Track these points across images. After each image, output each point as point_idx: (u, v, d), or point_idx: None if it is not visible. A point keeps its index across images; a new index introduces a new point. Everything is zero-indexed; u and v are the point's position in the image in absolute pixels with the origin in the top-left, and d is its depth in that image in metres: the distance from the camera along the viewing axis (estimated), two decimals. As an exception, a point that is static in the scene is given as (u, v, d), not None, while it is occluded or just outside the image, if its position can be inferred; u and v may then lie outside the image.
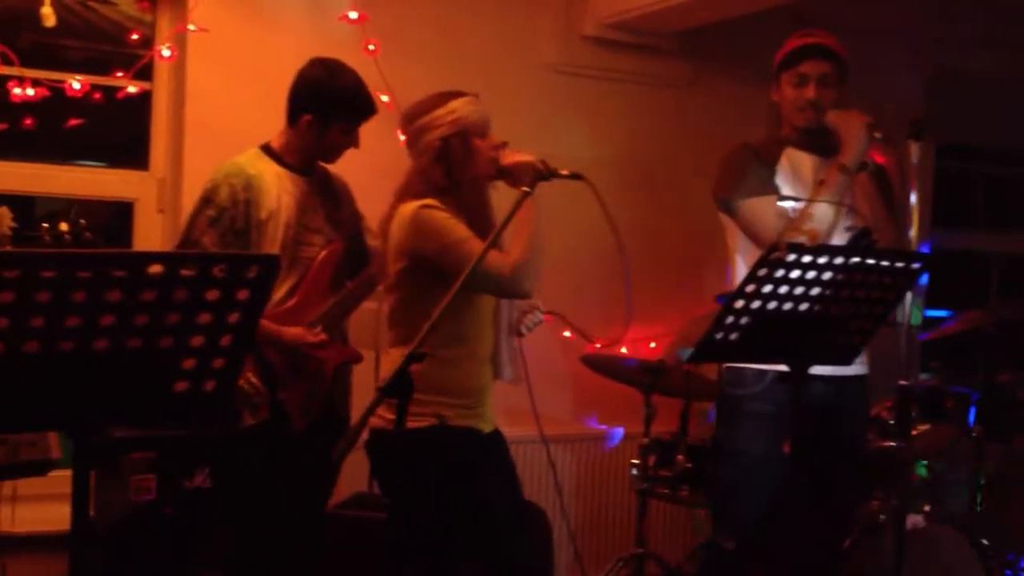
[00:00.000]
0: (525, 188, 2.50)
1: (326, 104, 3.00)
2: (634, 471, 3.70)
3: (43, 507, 3.36)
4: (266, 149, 3.06)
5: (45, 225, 2.08)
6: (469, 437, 2.65)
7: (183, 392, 1.87)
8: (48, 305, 1.66)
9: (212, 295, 1.79)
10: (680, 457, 3.60)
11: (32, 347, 1.69)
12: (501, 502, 2.70)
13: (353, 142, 3.08)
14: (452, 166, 2.63)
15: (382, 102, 3.94)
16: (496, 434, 2.76)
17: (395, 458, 2.60)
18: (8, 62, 3.62)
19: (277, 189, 2.98)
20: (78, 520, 1.82)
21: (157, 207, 3.99)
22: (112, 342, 1.75)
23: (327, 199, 3.13)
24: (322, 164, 3.16)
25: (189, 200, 3.74)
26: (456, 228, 2.56)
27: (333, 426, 3.04)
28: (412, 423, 2.52)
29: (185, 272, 1.76)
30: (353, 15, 3.84)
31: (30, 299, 1.64)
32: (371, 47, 3.81)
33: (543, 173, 2.54)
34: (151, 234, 3.97)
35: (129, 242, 3.96)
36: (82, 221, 2.15)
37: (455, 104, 2.65)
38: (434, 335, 2.27)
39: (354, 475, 3.48)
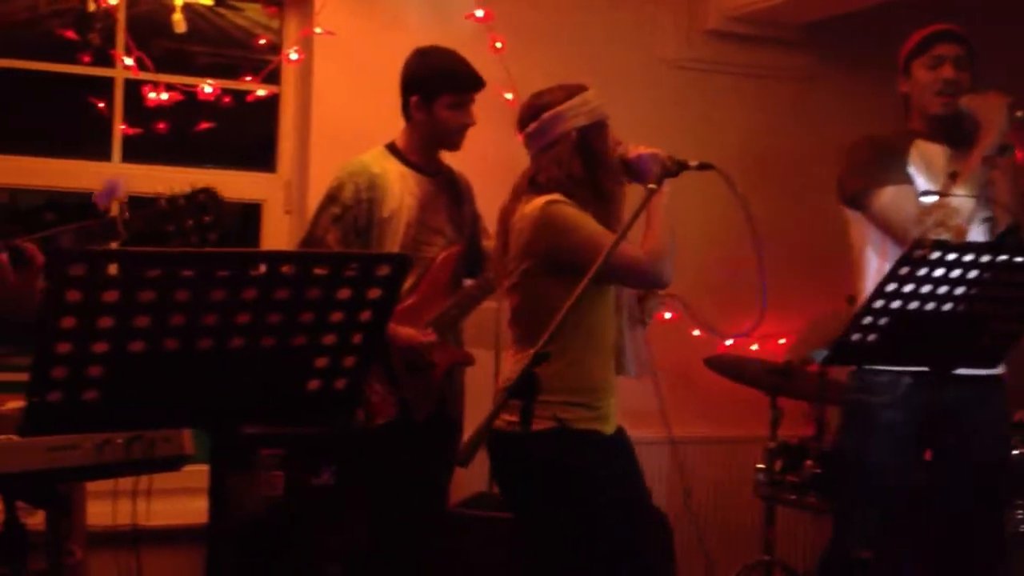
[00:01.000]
0: (652, 185, 2.45)
1: (424, 79, 3.04)
2: (760, 476, 3.61)
3: (177, 501, 3.46)
4: (391, 148, 3.09)
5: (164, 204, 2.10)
6: (590, 440, 2.57)
7: (315, 390, 1.89)
8: (187, 304, 1.69)
9: (344, 294, 1.80)
10: (809, 462, 3.50)
11: (171, 345, 1.72)
12: (618, 509, 2.62)
13: (465, 118, 3.07)
14: (592, 157, 2.56)
15: (506, 99, 3.95)
16: (620, 435, 2.68)
17: (515, 461, 2.57)
18: (144, 67, 3.73)
19: (400, 188, 3.00)
20: (216, 515, 1.85)
21: (284, 208, 4.07)
22: (248, 340, 1.77)
23: (451, 200, 3.13)
24: (449, 166, 3.17)
25: (315, 201, 3.81)
26: (588, 222, 2.50)
27: (445, 427, 3.04)
28: (532, 425, 2.53)
29: (318, 271, 1.77)
30: (479, 13, 3.85)
31: (170, 298, 1.67)
32: (498, 44, 3.82)
33: (670, 169, 2.48)
34: (278, 235, 4.05)
35: (256, 243, 4.05)
36: (206, 219, 2.17)
37: (588, 95, 2.59)
38: (561, 332, 2.23)
39: (474, 475, 3.49)
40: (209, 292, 1.70)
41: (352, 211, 2.94)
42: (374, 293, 1.82)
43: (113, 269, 1.65)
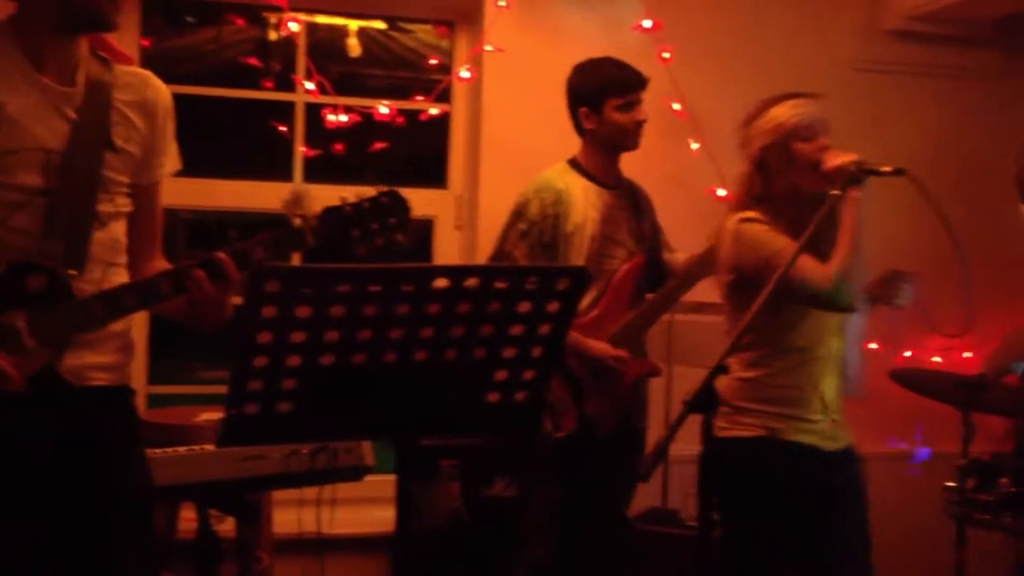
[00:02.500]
0: (835, 191, 2.37)
1: (587, 89, 3.08)
2: (950, 495, 3.44)
3: (359, 510, 3.57)
4: (572, 163, 3.13)
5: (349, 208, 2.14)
6: (801, 453, 2.53)
7: (495, 403, 1.91)
8: (374, 318, 1.74)
9: (524, 307, 1.82)
10: (1004, 480, 3.31)
11: (359, 358, 1.77)
12: (821, 527, 2.55)
13: (637, 115, 3.09)
14: (769, 176, 2.55)
15: (674, 110, 3.92)
16: (845, 453, 2.61)
17: (722, 468, 2.56)
18: (324, 91, 3.87)
19: (583, 203, 3.03)
20: (402, 524, 1.89)
21: (454, 223, 4.14)
22: (431, 353, 1.81)
23: (632, 212, 3.14)
24: (628, 178, 3.18)
25: (485, 216, 3.89)
26: (773, 241, 2.46)
27: (629, 438, 3.04)
28: (742, 432, 2.53)
29: (499, 284, 1.79)
30: (647, 23, 3.83)
31: (358, 312, 1.73)
32: (665, 55, 3.79)
33: (853, 175, 2.40)
34: (449, 250, 4.13)
35: (428, 258, 4.13)
36: (400, 237, 2.19)
37: (777, 111, 2.56)
38: (768, 345, 2.26)
39: (649, 489, 3.45)
40: (395, 307, 1.74)
41: (538, 226, 2.99)
42: (553, 306, 1.83)
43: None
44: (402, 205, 2.12)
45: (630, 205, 3.14)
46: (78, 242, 1.97)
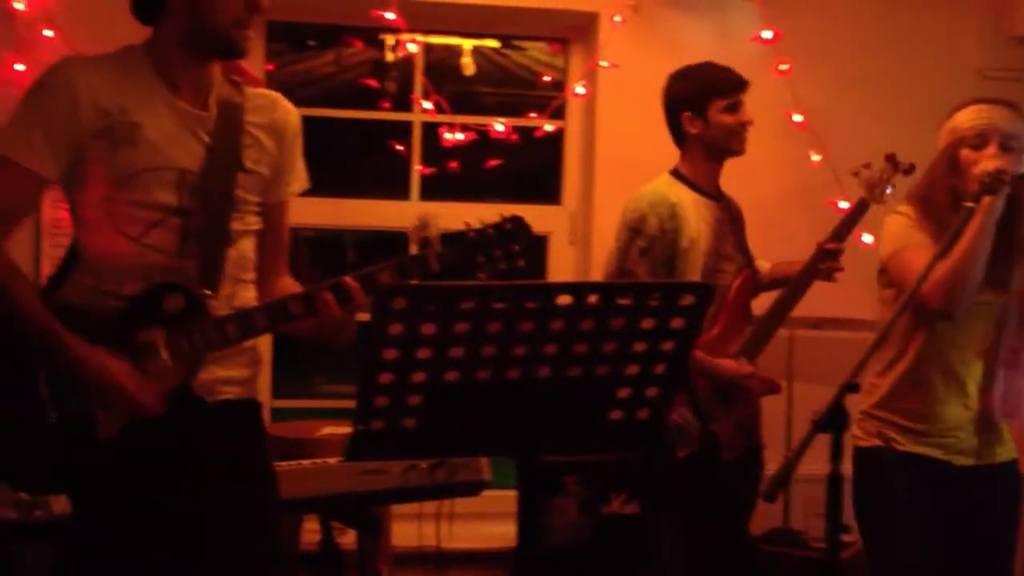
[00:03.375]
0: (969, 204, 2.30)
1: (690, 89, 2.99)
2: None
3: (477, 525, 3.59)
4: (676, 175, 3.05)
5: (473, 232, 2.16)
6: (919, 465, 2.47)
7: (617, 420, 1.90)
8: (498, 335, 1.75)
9: (647, 324, 1.80)
10: None
11: (483, 375, 1.79)
12: (939, 545, 2.48)
13: (743, 118, 3.01)
14: (934, 178, 2.56)
15: (795, 122, 3.85)
16: (988, 469, 2.54)
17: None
18: (441, 110, 3.92)
19: (695, 216, 2.96)
20: (524, 541, 1.89)
21: (569, 239, 4.14)
22: (554, 370, 1.81)
23: (736, 225, 3.08)
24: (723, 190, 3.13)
25: (600, 232, 3.88)
26: (907, 236, 2.48)
27: (751, 456, 2.98)
28: (858, 442, 2.55)
29: (622, 301, 1.78)
30: (767, 34, 3.78)
31: (483, 329, 1.74)
32: (784, 66, 3.73)
33: (988, 185, 2.33)
34: (563, 265, 4.13)
35: (543, 274, 4.14)
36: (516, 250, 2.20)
37: (959, 115, 2.56)
38: (895, 349, 2.27)
39: (769, 508, 3.38)
40: (518, 323, 1.75)
41: (659, 243, 2.89)
42: (677, 323, 1.81)
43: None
44: (525, 232, 2.13)
45: (732, 216, 3.08)
46: (212, 260, 2.03)
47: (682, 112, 3.01)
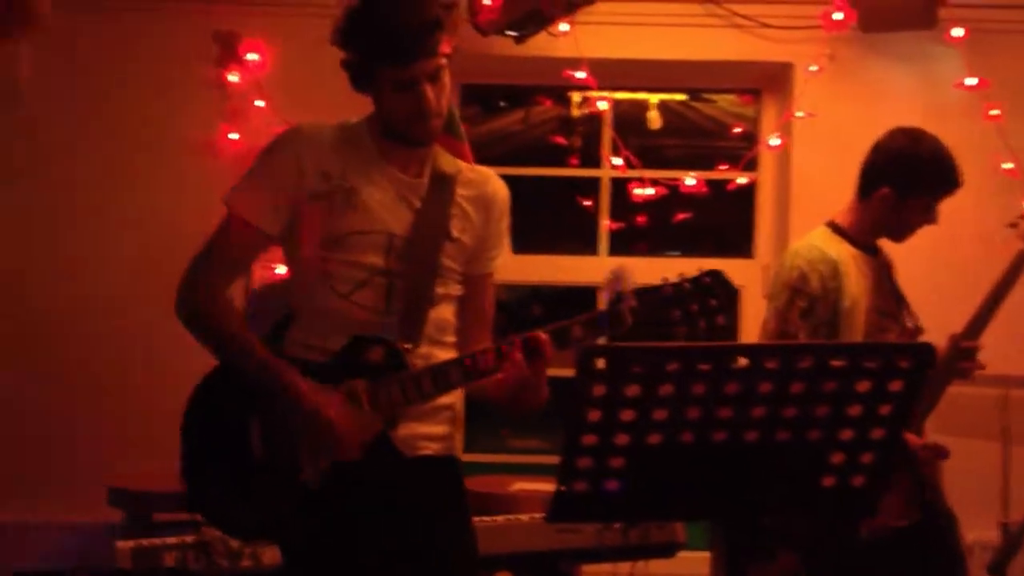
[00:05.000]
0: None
1: (908, 176, 2.76)
2: None
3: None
4: (835, 228, 2.87)
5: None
6: None
7: (830, 487, 1.81)
8: (704, 397, 1.70)
9: (863, 386, 1.72)
10: None
11: (687, 438, 1.74)
12: None
13: (931, 219, 2.81)
14: None
15: (1004, 170, 3.65)
16: None
17: None
18: (630, 165, 3.92)
19: (856, 273, 2.79)
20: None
21: (763, 293, 4.03)
22: (762, 434, 1.75)
23: (892, 279, 2.89)
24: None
25: (796, 286, 3.77)
26: None
27: (932, 523, 2.77)
28: None
29: (835, 363, 1.71)
30: (971, 81, 3.61)
31: (688, 391, 1.69)
32: (994, 112, 3.55)
33: None
34: (757, 320, 3.99)
35: (736, 330, 4.05)
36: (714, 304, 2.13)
37: None
38: None
39: None
40: (725, 385, 1.70)
41: (820, 303, 2.72)
42: (896, 386, 1.72)
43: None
44: (725, 286, 2.06)
45: (888, 271, 2.88)
46: (414, 320, 2.08)
47: (883, 184, 2.81)
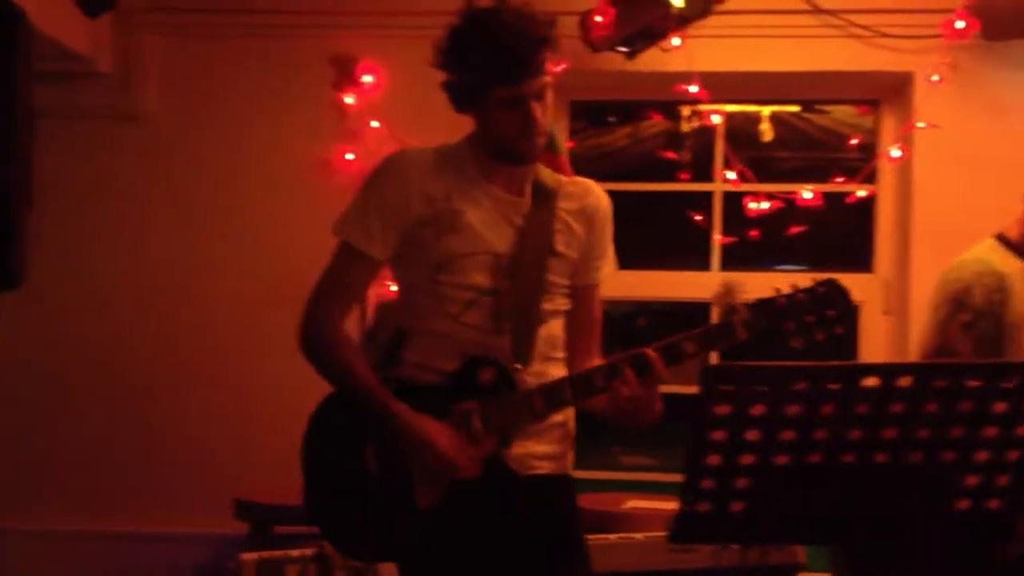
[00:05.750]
0: None
1: None
2: None
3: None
4: (1004, 240, 2.79)
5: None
6: None
7: (964, 510, 1.76)
8: (832, 417, 1.67)
9: (999, 407, 1.67)
10: None
11: (816, 459, 1.71)
12: None
13: None
14: None
15: None
16: None
17: None
18: (744, 179, 3.86)
19: (1021, 288, 2.70)
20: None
21: (882, 309, 3.93)
22: (893, 456, 1.70)
23: None
24: None
25: (917, 302, 3.65)
26: None
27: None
28: None
29: (971, 383, 1.66)
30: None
31: (816, 411, 1.67)
32: None
33: None
34: (876, 337, 3.92)
35: (854, 346, 3.95)
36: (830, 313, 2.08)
37: None
38: None
39: None
40: (854, 406, 1.66)
41: (984, 317, 2.66)
42: (1037, 407, 1.66)
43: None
44: (841, 296, 2.03)
45: None
46: (524, 338, 2.09)
47: None
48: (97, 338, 3.87)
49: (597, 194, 2.23)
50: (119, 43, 3.86)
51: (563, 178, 2.23)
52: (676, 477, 4.10)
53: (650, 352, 1.99)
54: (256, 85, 3.90)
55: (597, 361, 2.20)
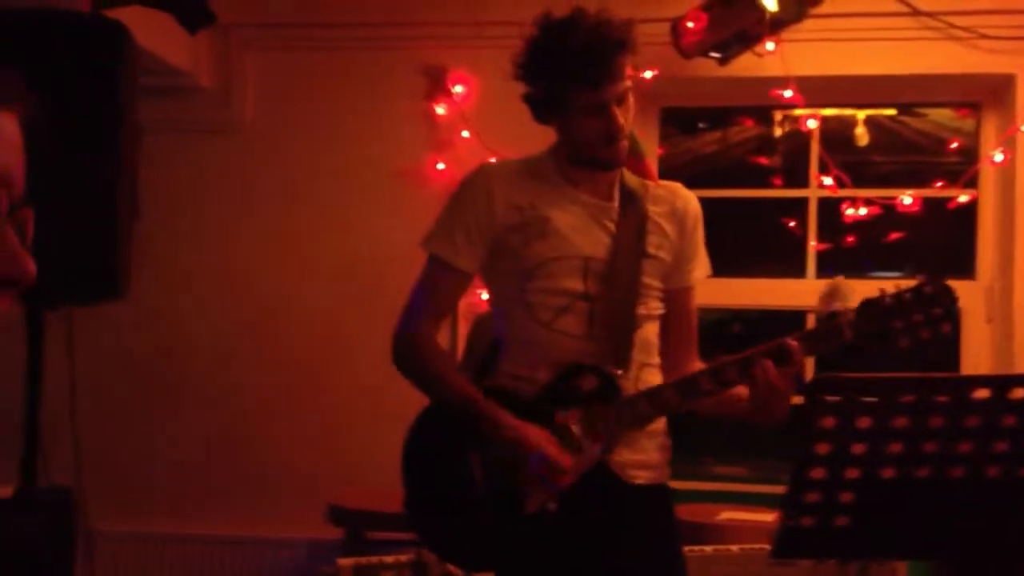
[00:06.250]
0: None
1: None
2: None
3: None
4: None
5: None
6: None
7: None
8: (941, 430, 1.63)
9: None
10: None
11: (923, 473, 1.66)
12: None
13: None
14: None
15: None
16: None
17: None
18: (841, 184, 3.79)
19: None
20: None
21: (985, 317, 3.82)
22: (1005, 470, 1.65)
23: None
24: None
25: (1021, 309, 3.56)
26: None
27: None
28: None
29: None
30: None
31: (924, 424, 1.62)
32: None
33: None
34: (979, 346, 3.81)
35: (955, 354, 3.84)
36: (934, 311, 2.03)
37: None
38: None
39: None
40: (965, 418, 1.62)
41: None
42: None
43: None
44: (947, 294, 1.99)
45: None
46: (621, 343, 2.08)
47: None
48: (196, 345, 3.96)
49: (685, 196, 2.21)
50: (218, 57, 3.96)
51: (648, 182, 2.23)
52: (767, 488, 4.05)
53: (791, 343, 1.96)
54: (349, 96, 3.96)
55: (697, 365, 2.19)
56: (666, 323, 2.19)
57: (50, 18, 2.42)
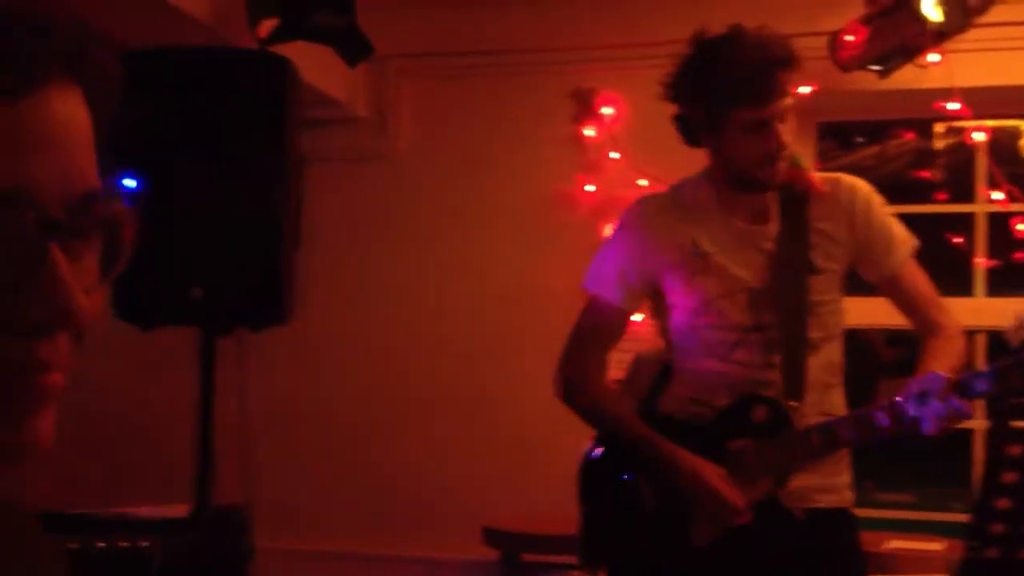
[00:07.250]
0: None
1: None
2: None
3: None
4: None
5: None
6: None
7: None
8: None
9: None
10: None
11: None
12: None
13: None
14: None
15: None
16: None
17: None
18: (1012, 198, 3.63)
19: None
20: None
21: None
22: None
23: None
24: None
25: None
26: None
27: None
28: None
29: None
30: None
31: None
32: None
33: None
34: None
35: None
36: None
37: None
38: None
39: None
40: None
41: None
42: None
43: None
44: None
45: None
46: (795, 371, 2.03)
47: None
48: (356, 369, 4.05)
49: (847, 186, 2.13)
50: (373, 88, 4.06)
51: (812, 188, 2.14)
52: (931, 515, 3.87)
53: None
54: (499, 121, 4.00)
55: (944, 320, 2.10)
56: (898, 306, 2.14)
57: (222, 55, 2.53)
